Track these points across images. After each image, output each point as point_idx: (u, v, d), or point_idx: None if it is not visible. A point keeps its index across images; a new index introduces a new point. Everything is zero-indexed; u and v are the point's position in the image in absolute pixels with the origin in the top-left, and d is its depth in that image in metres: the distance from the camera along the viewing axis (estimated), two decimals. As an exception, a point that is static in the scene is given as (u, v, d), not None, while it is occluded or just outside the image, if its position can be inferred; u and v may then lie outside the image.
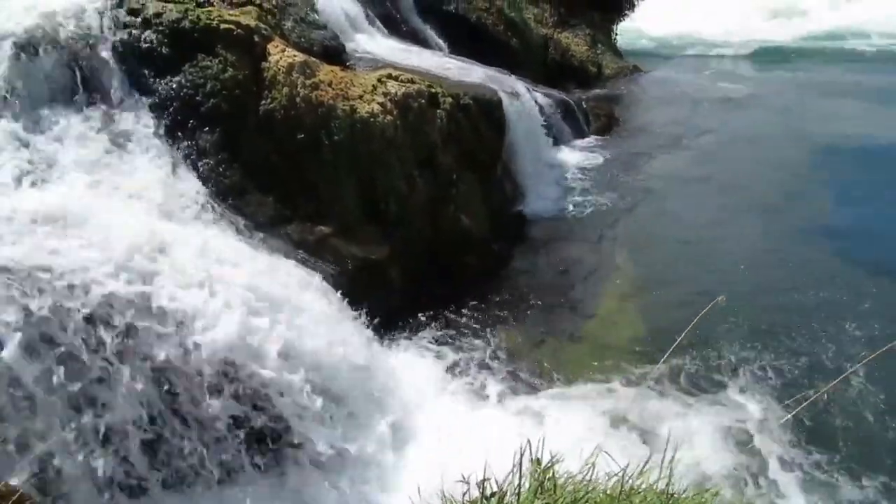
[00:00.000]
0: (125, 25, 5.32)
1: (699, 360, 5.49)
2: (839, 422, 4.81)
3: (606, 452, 2.20)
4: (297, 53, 6.14)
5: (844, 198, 8.79)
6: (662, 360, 3.97)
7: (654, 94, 13.91)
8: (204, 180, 5.24)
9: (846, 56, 17.56)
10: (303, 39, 6.83)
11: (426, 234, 6.76)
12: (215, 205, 5.17)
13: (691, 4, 20.77)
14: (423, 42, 10.43)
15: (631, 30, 17.68)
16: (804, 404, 4.43)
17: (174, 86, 5.35)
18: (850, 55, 17.58)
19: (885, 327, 5.82)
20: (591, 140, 11.05)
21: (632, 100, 13.44)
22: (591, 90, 13.71)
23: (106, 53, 5.16)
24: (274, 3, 6.73)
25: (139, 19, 5.38)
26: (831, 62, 16.91)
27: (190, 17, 5.54)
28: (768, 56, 17.75)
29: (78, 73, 5.03)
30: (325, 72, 6.29)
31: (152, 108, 5.26)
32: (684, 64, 17.51)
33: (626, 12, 17.21)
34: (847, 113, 12.22)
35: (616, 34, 17.19)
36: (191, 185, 5.07)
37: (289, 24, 6.85)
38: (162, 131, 5.20)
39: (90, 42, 5.13)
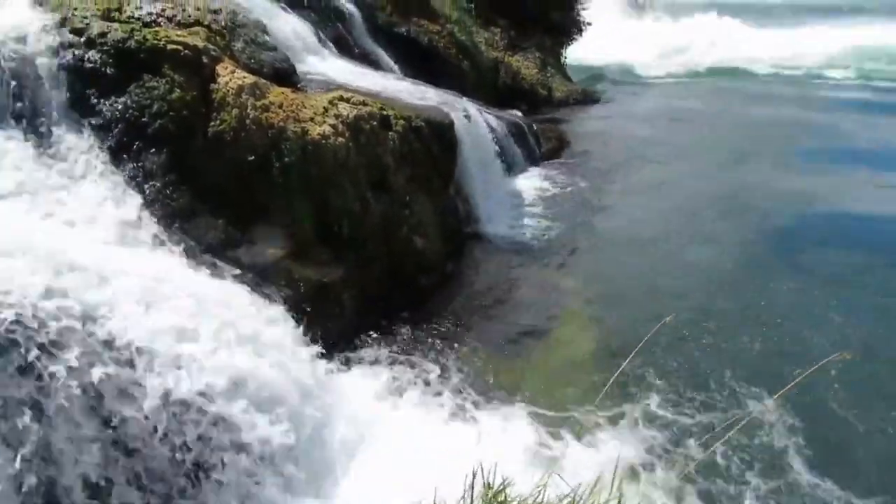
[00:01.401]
0: (68, 45, 5.18)
1: (650, 377, 5.58)
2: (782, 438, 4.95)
3: (558, 474, 2.21)
4: (246, 75, 6.09)
5: (791, 213, 9.20)
6: (612, 378, 4.05)
7: (601, 116, 14.28)
8: (150, 203, 5.13)
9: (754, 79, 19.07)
10: (253, 61, 6.77)
11: (380, 256, 6.73)
12: (162, 228, 5.06)
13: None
14: (374, 64, 10.48)
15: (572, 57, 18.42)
16: (746, 420, 4.55)
17: (119, 107, 5.23)
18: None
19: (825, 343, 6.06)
20: (543, 162, 11.25)
21: (581, 121, 13.76)
22: (542, 112, 14.00)
23: (47, 73, 5.02)
24: (223, 24, 6.67)
25: (83, 39, 5.26)
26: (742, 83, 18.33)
27: (136, 38, 5.44)
28: (703, 80, 19.12)
29: (17, 94, 4.87)
30: (276, 93, 6.25)
31: (96, 129, 5.13)
32: (626, 88, 18.17)
33: (575, 36, 17.68)
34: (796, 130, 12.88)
35: (565, 57, 17.65)
36: (136, 208, 4.95)
37: (238, 45, 6.79)
38: (106, 153, 5.07)
39: (31, 62, 4.99)
